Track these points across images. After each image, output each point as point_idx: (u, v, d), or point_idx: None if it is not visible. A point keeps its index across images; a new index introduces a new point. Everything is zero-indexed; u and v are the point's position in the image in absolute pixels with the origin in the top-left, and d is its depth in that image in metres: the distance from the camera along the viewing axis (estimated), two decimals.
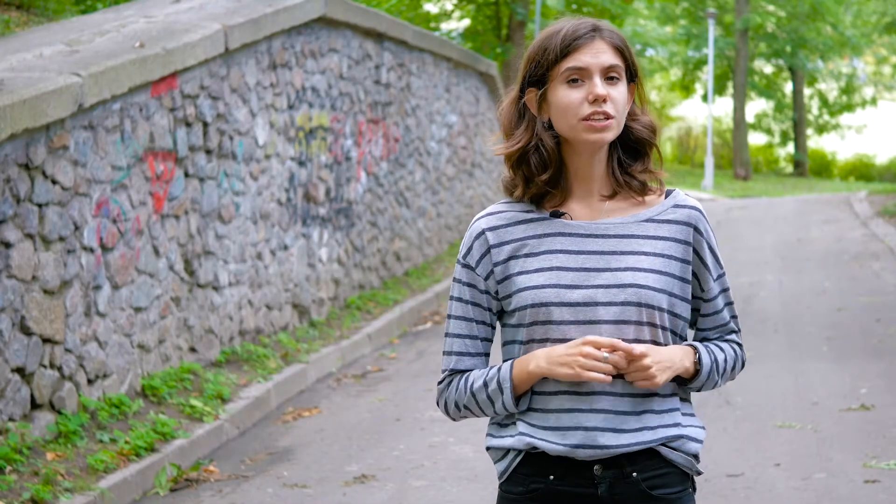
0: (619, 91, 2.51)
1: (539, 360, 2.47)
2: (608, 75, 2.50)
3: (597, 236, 2.53)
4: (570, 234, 2.54)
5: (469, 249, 2.59)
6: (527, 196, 2.56)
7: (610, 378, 2.43)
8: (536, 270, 2.52)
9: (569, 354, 2.43)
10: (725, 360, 2.61)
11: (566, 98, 2.50)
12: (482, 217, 2.60)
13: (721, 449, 6.54)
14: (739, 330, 2.67)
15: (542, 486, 2.53)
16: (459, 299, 2.60)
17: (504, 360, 2.59)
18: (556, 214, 2.56)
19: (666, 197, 2.59)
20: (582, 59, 2.50)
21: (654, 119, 2.59)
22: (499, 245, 2.56)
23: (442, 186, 14.55)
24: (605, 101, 2.48)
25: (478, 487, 6.18)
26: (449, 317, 2.62)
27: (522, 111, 2.57)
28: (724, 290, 2.62)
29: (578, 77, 2.50)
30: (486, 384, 2.54)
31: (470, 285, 2.59)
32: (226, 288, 8.58)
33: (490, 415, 2.59)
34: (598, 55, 2.50)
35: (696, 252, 2.56)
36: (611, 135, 2.50)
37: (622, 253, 2.52)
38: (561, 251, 2.53)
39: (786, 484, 6.06)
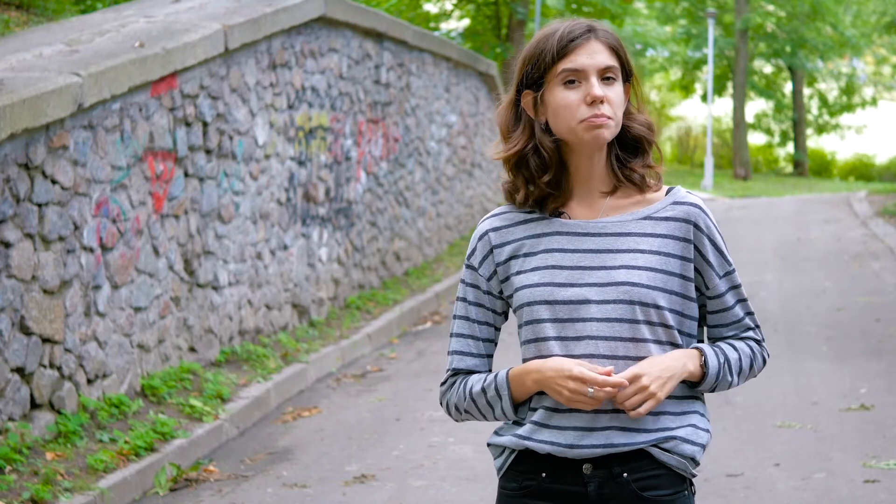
0: (616, 91, 2.51)
1: (534, 376, 2.48)
2: (605, 76, 2.51)
3: (593, 235, 2.53)
4: (567, 233, 2.54)
5: (473, 250, 2.62)
6: (530, 199, 2.56)
7: (597, 404, 2.44)
8: (533, 269, 2.54)
9: (557, 383, 2.44)
10: (740, 359, 2.57)
11: (564, 100, 2.50)
12: (487, 218, 2.63)
13: (721, 449, 6.53)
14: (758, 326, 2.63)
15: (534, 482, 2.54)
16: (463, 300, 2.63)
17: (524, 361, 2.59)
18: (555, 214, 2.57)
19: (667, 194, 2.58)
20: (578, 60, 2.50)
21: (650, 118, 2.59)
22: (501, 245, 2.58)
23: (442, 186, 14.55)
24: (602, 102, 2.48)
25: (478, 487, 6.18)
26: (454, 317, 2.65)
27: (519, 114, 2.57)
28: (734, 287, 2.59)
29: (575, 78, 2.50)
30: (484, 390, 2.55)
31: (473, 286, 2.62)
32: (225, 288, 8.58)
33: (492, 420, 2.60)
34: (594, 56, 2.50)
35: (697, 249, 2.55)
36: (608, 133, 2.50)
37: (618, 251, 2.51)
38: (557, 250, 2.53)
39: (785, 484, 6.06)
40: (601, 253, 2.52)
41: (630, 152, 2.57)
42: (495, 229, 2.60)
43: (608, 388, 2.42)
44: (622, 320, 2.47)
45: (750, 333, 2.62)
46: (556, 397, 2.46)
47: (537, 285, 2.51)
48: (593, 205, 2.56)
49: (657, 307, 2.49)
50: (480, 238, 2.61)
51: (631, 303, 2.47)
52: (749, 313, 2.62)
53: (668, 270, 2.51)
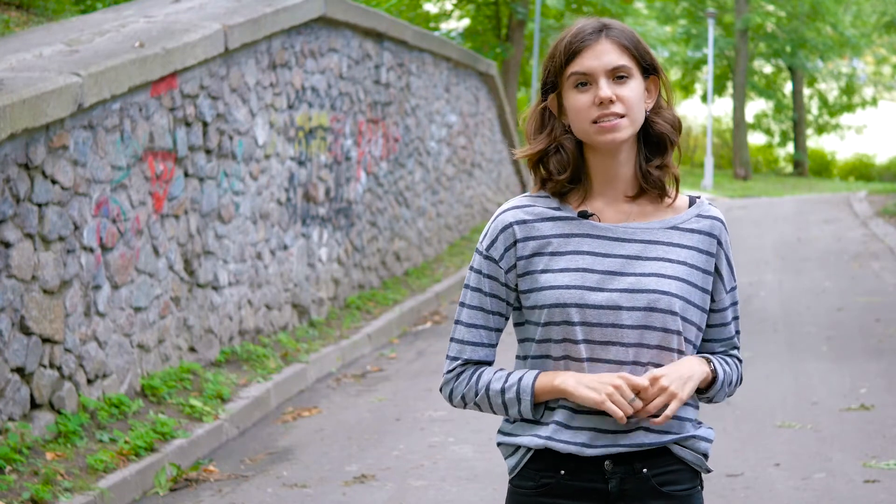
0: (630, 88, 2.49)
1: (567, 377, 2.48)
2: (617, 75, 2.49)
3: (623, 240, 2.53)
4: (597, 237, 2.53)
5: (493, 241, 2.57)
6: (547, 190, 2.57)
7: (625, 419, 2.45)
8: (562, 270, 2.52)
9: (601, 382, 2.44)
10: (731, 374, 2.63)
11: (576, 103, 2.50)
12: (509, 210, 2.58)
13: (721, 449, 6.53)
14: (740, 347, 2.69)
15: (552, 480, 2.54)
16: (478, 290, 2.59)
17: (518, 357, 2.59)
18: (584, 215, 2.55)
19: (690, 205, 2.59)
20: (585, 62, 2.49)
21: (676, 114, 2.58)
22: (525, 240, 2.55)
23: (442, 186, 14.55)
24: (611, 102, 2.47)
25: (478, 487, 6.18)
26: (462, 305, 2.61)
27: (547, 116, 2.57)
28: (734, 304, 2.63)
29: (585, 81, 2.50)
30: (503, 390, 2.54)
31: (491, 277, 2.58)
32: (225, 288, 8.58)
33: (501, 415, 2.60)
34: (602, 56, 2.49)
35: (715, 263, 2.58)
36: (623, 134, 2.49)
37: (647, 259, 2.52)
38: (588, 252, 2.52)
39: (785, 484, 6.06)
40: (631, 259, 2.52)
41: (654, 150, 2.56)
42: (521, 222, 2.56)
43: (634, 397, 2.44)
44: (651, 328, 2.48)
45: (735, 352, 2.67)
46: (588, 395, 2.44)
47: (568, 287, 2.50)
48: (619, 208, 2.56)
49: (684, 318, 2.51)
50: (503, 230, 2.56)
51: (662, 311, 2.48)
52: (738, 332, 2.67)
53: (693, 282, 2.54)
